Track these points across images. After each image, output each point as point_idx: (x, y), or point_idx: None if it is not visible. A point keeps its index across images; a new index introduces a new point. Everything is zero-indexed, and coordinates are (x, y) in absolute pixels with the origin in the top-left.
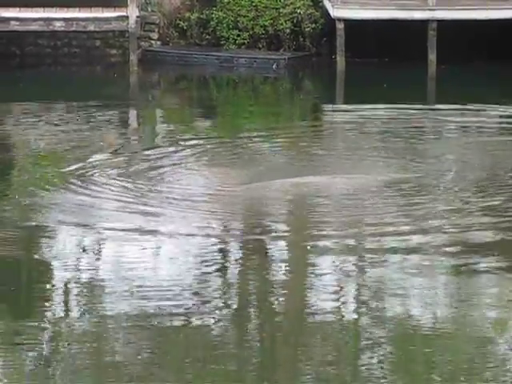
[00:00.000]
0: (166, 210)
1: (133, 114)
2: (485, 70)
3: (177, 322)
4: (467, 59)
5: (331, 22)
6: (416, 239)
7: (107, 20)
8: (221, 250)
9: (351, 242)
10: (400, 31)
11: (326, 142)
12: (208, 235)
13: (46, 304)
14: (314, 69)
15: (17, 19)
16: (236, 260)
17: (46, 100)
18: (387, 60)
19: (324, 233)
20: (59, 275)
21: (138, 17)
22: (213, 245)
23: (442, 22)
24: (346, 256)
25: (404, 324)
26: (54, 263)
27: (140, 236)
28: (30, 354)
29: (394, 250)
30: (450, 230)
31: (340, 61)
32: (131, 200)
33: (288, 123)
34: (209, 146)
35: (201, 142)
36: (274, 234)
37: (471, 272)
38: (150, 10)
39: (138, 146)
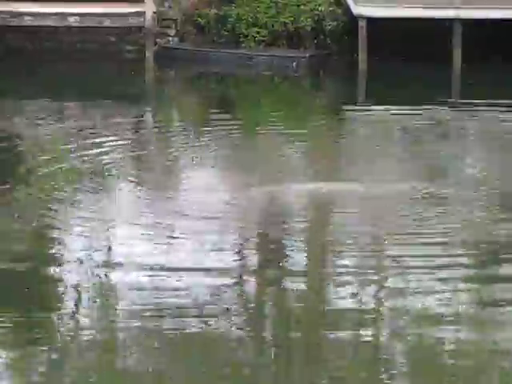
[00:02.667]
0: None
1: (148, 114)
2: (504, 69)
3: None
4: (484, 58)
5: (353, 19)
6: (443, 257)
7: (123, 15)
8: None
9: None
10: (423, 29)
11: (348, 145)
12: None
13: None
14: (335, 68)
15: (31, 14)
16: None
17: (58, 97)
18: (410, 59)
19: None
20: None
21: (154, 12)
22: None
23: (463, 20)
24: (367, 286)
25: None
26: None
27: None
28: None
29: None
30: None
31: (362, 59)
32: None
33: (308, 124)
34: (224, 148)
35: (216, 142)
36: (290, 267)
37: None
38: (167, 5)
39: (152, 145)
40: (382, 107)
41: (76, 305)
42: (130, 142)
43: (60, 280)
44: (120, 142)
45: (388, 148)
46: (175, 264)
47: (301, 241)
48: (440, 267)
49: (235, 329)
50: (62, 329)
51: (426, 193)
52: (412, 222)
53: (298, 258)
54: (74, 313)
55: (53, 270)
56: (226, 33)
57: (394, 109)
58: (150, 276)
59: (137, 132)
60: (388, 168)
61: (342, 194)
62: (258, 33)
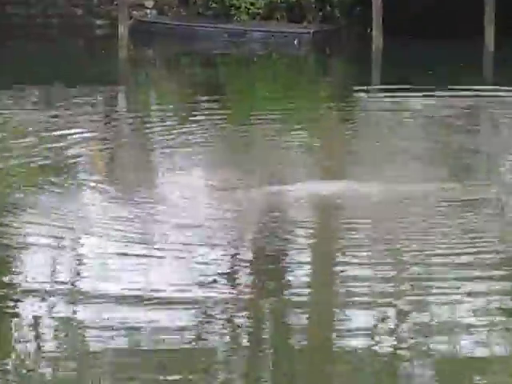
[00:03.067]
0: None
1: (121, 100)
2: None
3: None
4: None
5: None
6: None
7: None
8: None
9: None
10: (447, 2)
11: (360, 137)
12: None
13: None
14: (344, 45)
15: None
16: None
17: (15, 81)
18: (433, 35)
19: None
20: None
21: None
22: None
23: None
24: (384, 306)
25: None
26: None
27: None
28: None
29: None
30: None
31: (376, 35)
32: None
33: (312, 112)
34: (213, 139)
35: (202, 135)
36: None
37: None
38: None
39: (126, 137)
40: (400, 93)
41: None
42: (99, 133)
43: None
44: (88, 135)
45: (409, 141)
46: (146, 294)
47: (306, 258)
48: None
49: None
50: None
51: (456, 195)
52: (440, 232)
53: (300, 282)
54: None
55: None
56: (214, 4)
57: (414, 94)
58: (118, 312)
59: (108, 123)
60: (410, 165)
61: (355, 196)
62: (252, 4)
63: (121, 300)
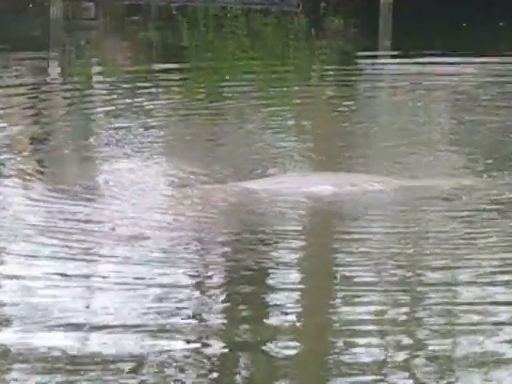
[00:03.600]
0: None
1: (54, 69)
2: None
3: None
4: None
5: None
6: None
7: None
8: None
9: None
10: None
11: (363, 116)
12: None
13: None
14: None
15: None
16: None
17: None
18: None
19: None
20: None
21: None
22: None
23: None
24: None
25: None
26: None
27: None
28: None
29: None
30: None
31: None
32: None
33: (302, 85)
34: (173, 119)
35: (160, 113)
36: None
37: None
38: None
39: (59, 116)
40: (415, 59)
41: None
42: (24, 112)
43: None
44: (9, 111)
45: (427, 122)
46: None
47: (291, 279)
48: None
49: None
50: None
51: (489, 193)
52: (472, 242)
53: (285, 308)
54: None
55: None
56: None
57: (433, 61)
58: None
59: (36, 97)
60: (430, 153)
61: (361, 194)
62: None
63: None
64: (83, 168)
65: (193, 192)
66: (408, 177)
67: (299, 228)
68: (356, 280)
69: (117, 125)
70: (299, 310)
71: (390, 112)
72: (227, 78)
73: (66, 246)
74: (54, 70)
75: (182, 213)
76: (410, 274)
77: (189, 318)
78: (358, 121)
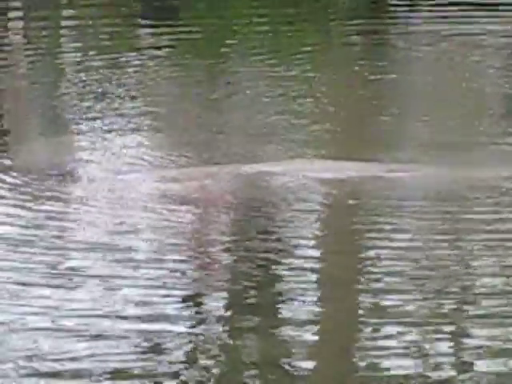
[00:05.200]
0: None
1: (13, 23)
2: None
3: None
4: None
5: None
6: None
7: None
8: None
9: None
10: None
11: (396, 87)
12: None
13: None
14: None
15: None
16: None
17: None
18: None
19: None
20: None
21: None
22: None
23: None
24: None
25: None
26: None
27: None
28: None
29: None
30: None
31: None
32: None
33: (320, 41)
34: (162, 84)
35: (147, 76)
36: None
37: None
38: None
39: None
40: (462, 6)
41: None
42: None
43: None
44: None
45: (477, 87)
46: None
47: (306, 285)
48: None
49: None
50: None
51: None
52: None
53: (297, 319)
54: None
55: None
56: None
57: (480, 16)
58: None
59: None
60: (473, 134)
61: (384, 183)
62: None
63: None
64: (50, 150)
65: (189, 174)
66: (449, 164)
67: (319, 223)
68: (385, 283)
69: (93, 87)
70: (316, 317)
71: (430, 77)
72: (231, 33)
73: (40, 242)
74: (15, 24)
75: (174, 201)
76: (452, 279)
77: (192, 327)
78: (392, 94)
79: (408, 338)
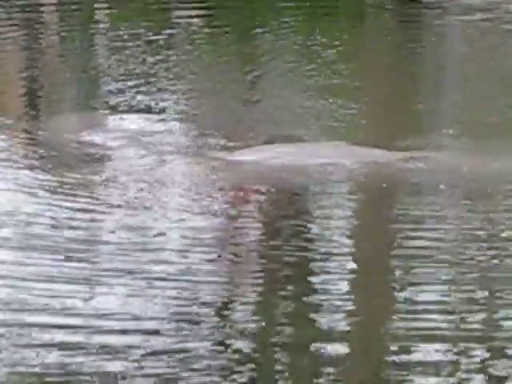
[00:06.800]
0: None
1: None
2: None
3: None
4: None
5: None
6: None
7: None
8: None
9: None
10: None
11: (430, 68)
12: None
13: None
14: None
15: None
16: None
17: None
18: None
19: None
20: None
21: None
22: None
23: None
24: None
25: None
26: None
27: None
28: None
29: None
30: None
31: None
32: None
33: (352, 26)
34: (185, 78)
35: (178, 60)
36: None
37: None
38: None
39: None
40: None
41: None
42: None
43: None
44: None
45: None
46: None
47: (347, 268)
48: None
49: None
50: None
51: None
52: None
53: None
54: None
55: None
56: None
57: None
58: None
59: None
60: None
61: (421, 169)
62: None
63: None
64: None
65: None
66: (479, 153)
67: (351, 210)
68: (418, 274)
69: (120, 71)
70: (349, 307)
71: (467, 61)
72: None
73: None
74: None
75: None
76: (483, 269)
77: (222, 315)
78: (427, 77)
79: (443, 325)
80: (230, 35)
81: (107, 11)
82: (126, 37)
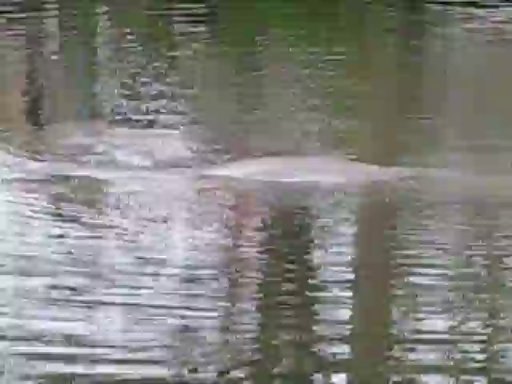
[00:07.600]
0: None
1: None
2: None
3: None
4: None
5: None
6: None
7: None
8: None
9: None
10: None
11: (432, 79)
12: None
13: None
14: None
15: None
16: None
17: None
18: None
19: None
20: None
21: None
22: None
23: None
24: None
25: None
26: None
27: None
28: None
29: None
30: None
31: None
32: None
33: (350, 36)
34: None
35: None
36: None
37: None
38: None
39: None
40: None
41: None
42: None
43: None
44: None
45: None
46: None
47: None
48: None
49: None
50: None
51: None
52: None
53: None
54: None
55: None
56: None
57: None
58: None
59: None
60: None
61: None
62: None
63: None
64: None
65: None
66: (479, 171)
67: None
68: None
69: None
70: (349, 335)
71: (470, 75)
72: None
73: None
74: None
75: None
76: (487, 277)
77: (220, 344)
78: (426, 87)
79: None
80: (231, 49)
81: (108, 22)
82: (127, 46)
